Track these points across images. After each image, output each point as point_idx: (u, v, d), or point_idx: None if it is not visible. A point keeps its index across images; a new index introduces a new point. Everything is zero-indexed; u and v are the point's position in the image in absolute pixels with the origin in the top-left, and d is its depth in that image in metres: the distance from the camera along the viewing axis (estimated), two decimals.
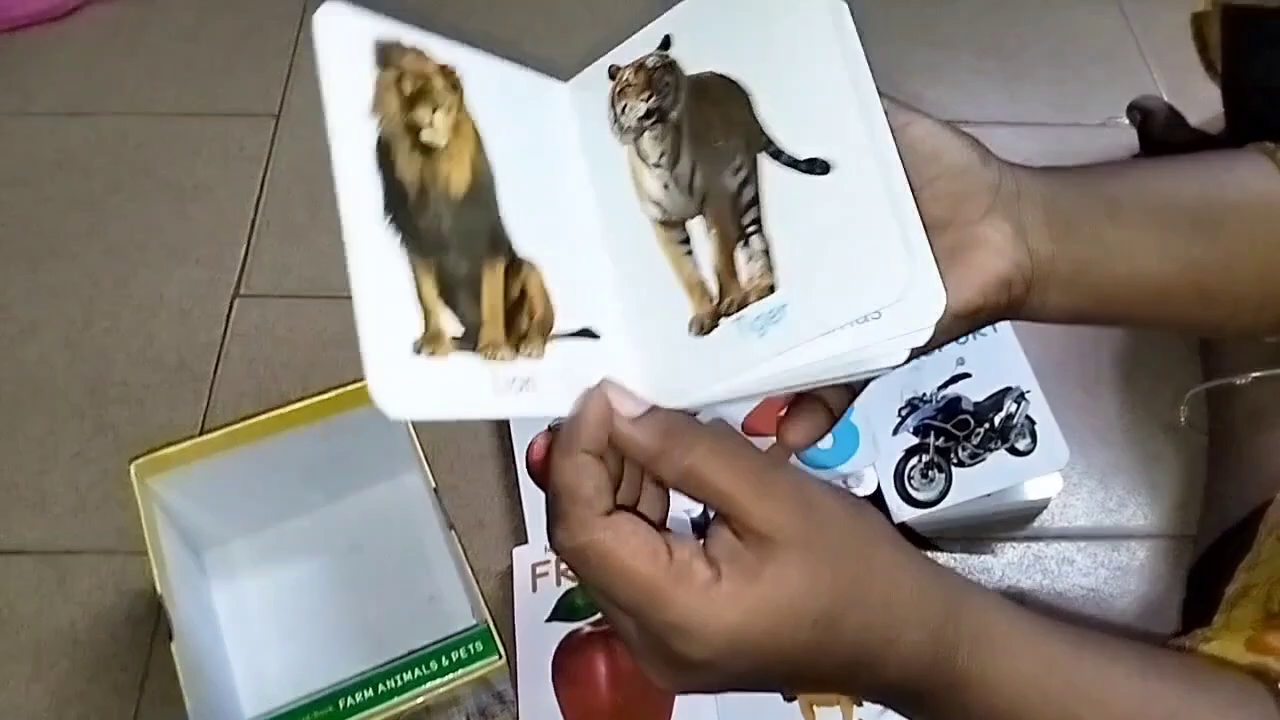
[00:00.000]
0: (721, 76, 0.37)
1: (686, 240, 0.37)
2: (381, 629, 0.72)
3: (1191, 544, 0.77)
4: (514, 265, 0.36)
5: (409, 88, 0.35)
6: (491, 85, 0.37)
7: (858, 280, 0.33)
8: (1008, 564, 0.78)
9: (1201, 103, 0.99)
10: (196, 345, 0.87)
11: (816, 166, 0.34)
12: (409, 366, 0.32)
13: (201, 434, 0.82)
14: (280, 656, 0.72)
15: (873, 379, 0.38)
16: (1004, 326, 0.78)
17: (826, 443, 0.75)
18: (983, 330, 0.78)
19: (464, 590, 0.69)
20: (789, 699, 0.66)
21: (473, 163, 0.36)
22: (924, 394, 0.77)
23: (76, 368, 0.86)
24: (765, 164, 0.36)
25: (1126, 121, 0.99)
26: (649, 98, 0.38)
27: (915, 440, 0.76)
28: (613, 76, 0.39)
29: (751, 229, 0.35)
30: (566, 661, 0.67)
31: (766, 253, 0.35)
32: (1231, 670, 0.45)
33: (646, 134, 0.38)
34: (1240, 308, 0.42)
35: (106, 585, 0.76)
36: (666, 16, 0.38)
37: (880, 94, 0.35)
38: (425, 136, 0.34)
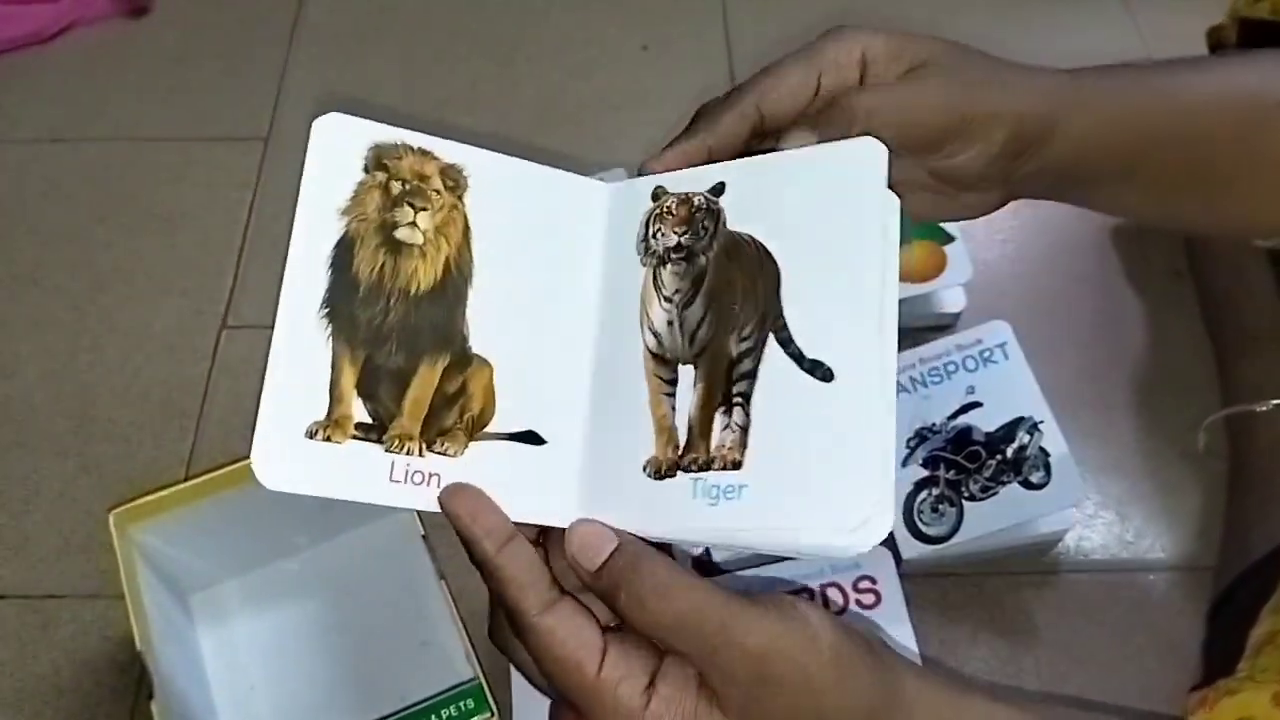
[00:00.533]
0: (759, 244, 0.36)
1: (673, 382, 0.37)
2: (373, 675, 0.70)
3: (1211, 576, 0.75)
4: (460, 361, 0.37)
5: (397, 188, 0.36)
6: (505, 184, 0.38)
7: (823, 498, 0.33)
8: (1021, 598, 0.75)
9: None
10: (183, 379, 0.85)
11: (819, 371, 0.34)
12: (296, 446, 0.34)
13: (188, 470, 0.80)
14: (269, 703, 0.70)
15: None
16: (1015, 353, 0.76)
17: None
18: (993, 358, 0.76)
19: (456, 635, 0.67)
20: None
21: (449, 260, 0.37)
22: (933, 424, 0.74)
23: (60, 404, 0.84)
24: (772, 345, 0.35)
25: None
26: (684, 233, 0.37)
27: (925, 473, 0.73)
28: (655, 199, 0.38)
29: (738, 400, 0.35)
30: (563, 712, 0.65)
31: (745, 429, 0.35)
32: None
33: (669, 266, 0.37)
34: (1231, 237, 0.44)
35: (90, 631, 0.73)
36: (727, 165, 0.38)
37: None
38: (400, 235, 0.36)
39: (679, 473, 0.35)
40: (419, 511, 0.67)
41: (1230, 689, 0.54)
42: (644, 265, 0.38)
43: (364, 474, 0.35)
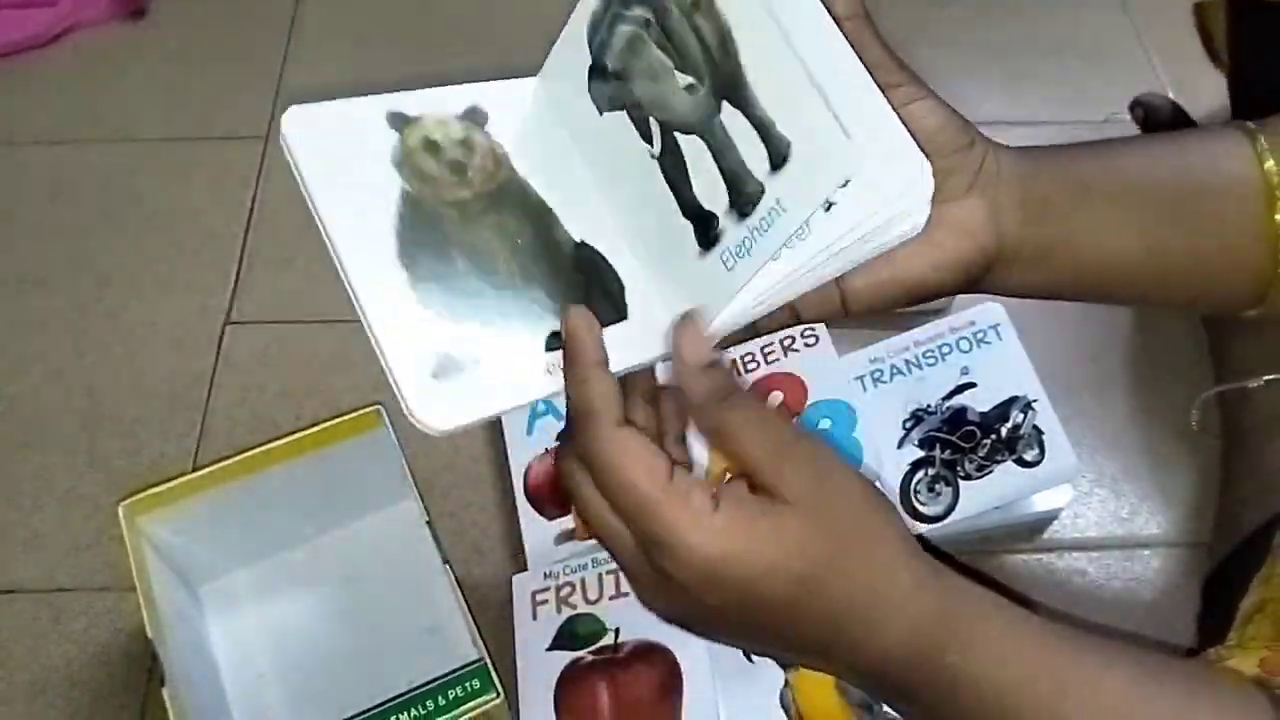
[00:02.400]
0: None
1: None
2: (381, 661, 0.71)
3: (1206, 552, 0.76)
4: None
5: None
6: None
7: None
8: (1017, 576, 0.76)
9: (1206, 99, 0.97)
10: (188, 374, 0.86)
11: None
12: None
13: (195, 465, 0.81)
14: (279, 691, 0.71)
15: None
16: (1009, 334, 0.77)
17: None
18: (987, 339, 0.77)
19: (463, 621, 0.68)
20: (782, 665, 0.65)
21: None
22: (928, 405, 0.75)
23: (67, 401, 0.85)
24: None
25: (1129, 118, 0.97)
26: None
27: (921, 453, 0.74)
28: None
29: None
30: (568, 690, 0.66)
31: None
32: (1232, 677, 0.44)
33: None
34: (1208, 287, 0.43)
35: (102, 623, 0.74)
36: None
37: (895, 61, 0.38)
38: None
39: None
40: (422, 505, 0.69)
41: (1220, 656, 0.55)
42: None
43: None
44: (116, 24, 1.12)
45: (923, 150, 0.36)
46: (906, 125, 0.36)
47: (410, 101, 0.40)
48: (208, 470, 0.68)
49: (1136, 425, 0.83)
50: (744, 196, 0.36)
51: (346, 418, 0.69)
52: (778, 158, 0.35)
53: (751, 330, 0.40)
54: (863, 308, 0.42)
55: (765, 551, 0.34)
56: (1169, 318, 0.87)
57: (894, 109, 0.35)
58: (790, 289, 0.37)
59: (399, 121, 0.39)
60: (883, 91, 0.35)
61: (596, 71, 0.40)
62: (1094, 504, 0.79)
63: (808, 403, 0.75)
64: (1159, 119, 0.95)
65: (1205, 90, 0.96)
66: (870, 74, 0.35)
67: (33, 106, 1.05)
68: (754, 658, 0.65)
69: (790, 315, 0.42)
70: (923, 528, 0.72)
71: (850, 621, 0.35)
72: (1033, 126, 1.04)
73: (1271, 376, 0.74)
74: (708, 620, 0.36)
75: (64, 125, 1.04)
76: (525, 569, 0.73)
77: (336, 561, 0.75)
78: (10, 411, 0.84)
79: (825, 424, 0.75)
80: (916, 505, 0.72)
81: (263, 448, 0.68)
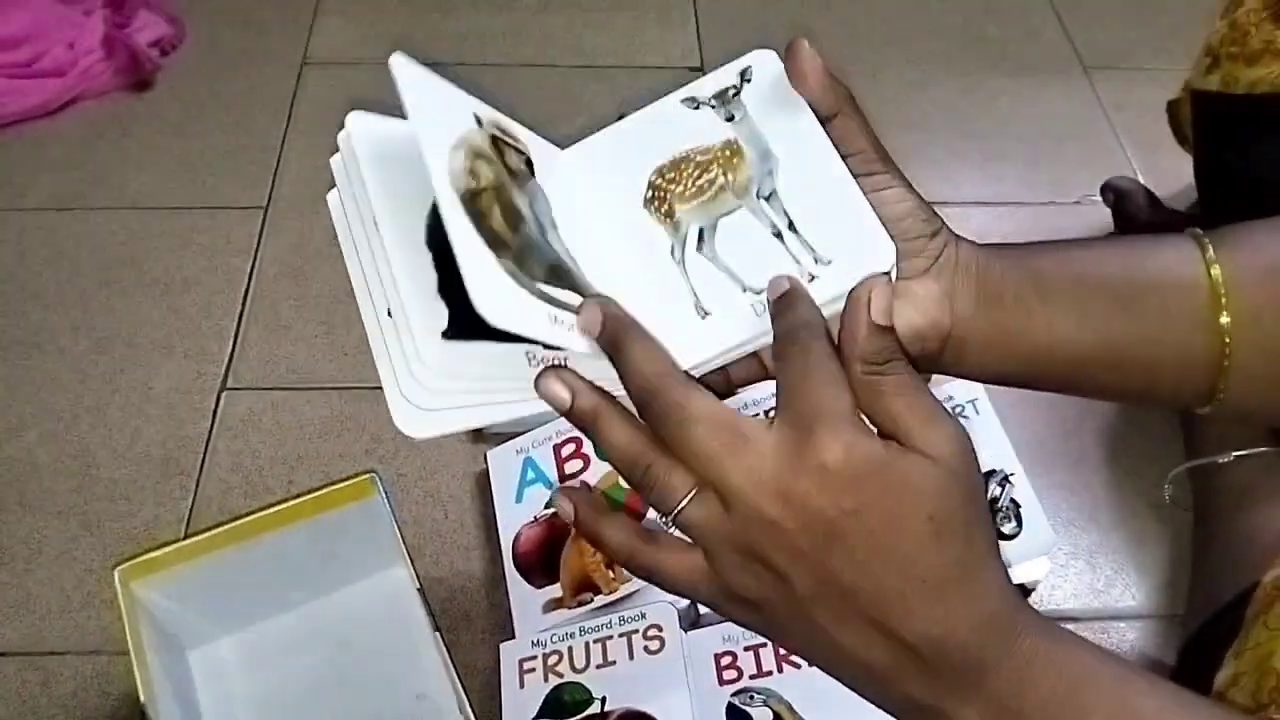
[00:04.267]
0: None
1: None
2: None
3: (1180, 624, 0.77)
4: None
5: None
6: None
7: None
8: None
9: (1173, 181, 1.01)
10: (183, 439, 0.87)
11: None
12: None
13: (188, 529, 0.82)
14: None
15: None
16: (986, 408, 0.79)
17: None
18: (965, 413, 0.79)
19: (451, 688, 0.68)
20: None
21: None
22: None
23: (62, 464, 0.86)
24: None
25: (1100, 200, 1.01)
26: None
27: None
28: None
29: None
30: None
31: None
32: None
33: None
34: (1158, 381, 0.44)
35: (90, 687, 0.75)
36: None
37: (877, 152, 0.42)
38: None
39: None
40: (411, 569, 0.69)
41: None
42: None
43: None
44: (121, 95, 1.16)
45: (889, 232, 0.40)
46: (877, 210, 0.40)
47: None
48: (202, 536, 0.69)
49: (1111, 499, 0.85)
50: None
51: (340, 485, 0.70)
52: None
53: (725, 377, 0.43)
54: None
55: (914, 476, 0.36)
56: None
57: (867, 195, 0.40)
58: (760, 341, 0.41)
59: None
60: (859, 179, 0.40)
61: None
62: (1070, 576, 0.81)
63: None
64: (1129, 202, 0.98)
65: (1173, 175, 1.00)
66: (849, 164, 0.40)
67: (38, 172, 1.08)
68: None
69: (759, 368, 0.44)
70: None
71: (971, 571, 0.36)
72: (1009, 207, 1.08)
73: (1240, 452, 0.77)
74: (830, 529, 0.36)
75: (68, 192, 1.06)
76: (513, 637, 0.74)
77: (326, 627, 0.76)
78: (5, 472, 0.85)
79: None
80: None
81: (256, 514, 0.69)
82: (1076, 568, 0.81)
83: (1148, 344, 0.43)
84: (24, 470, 0.86)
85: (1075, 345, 0.43)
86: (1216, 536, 0.78)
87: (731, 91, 0.44)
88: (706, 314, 0.41)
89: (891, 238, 0.40)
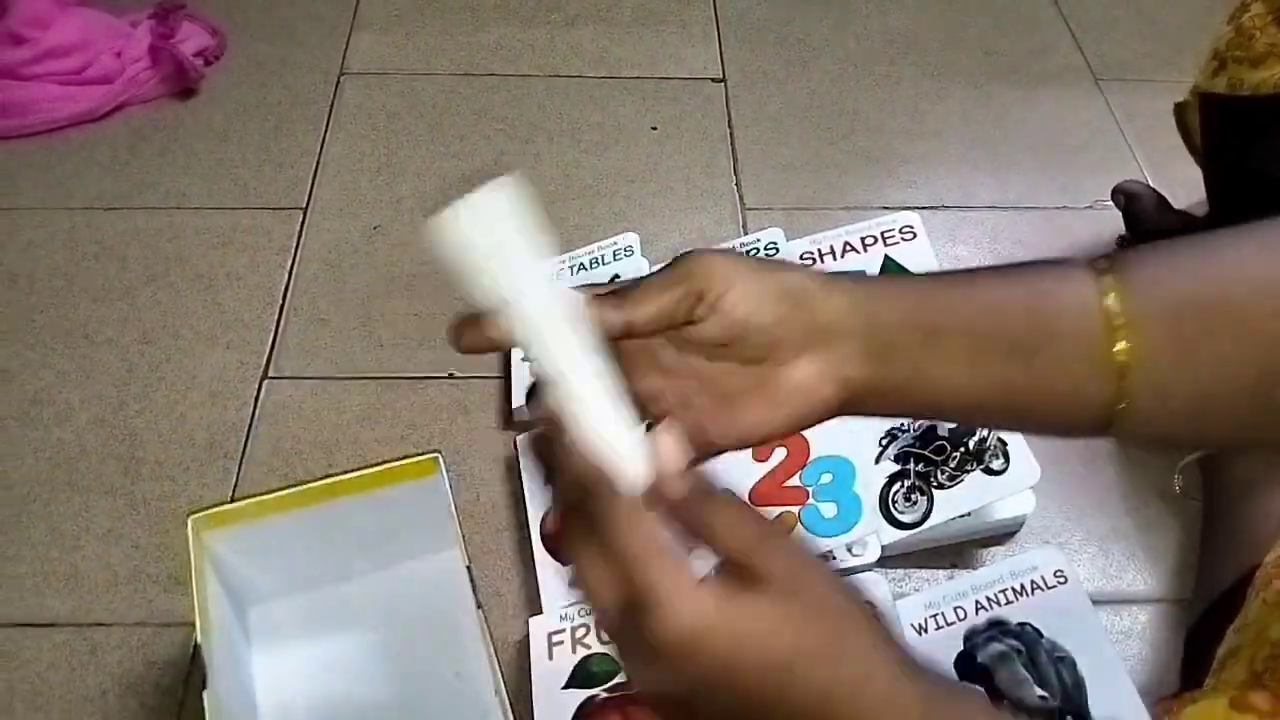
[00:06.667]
0: None
1: None
2: (409, 703, 0.74)
3: (1188, 607, 0.79)
4: None
5: None
6: None
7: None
8: None
9: (1184, 184, 1.04)
10: (226, 424, 0.91)
11: None
12: None
13: None
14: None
15: None
16: None
17: (830, 511, 0.78)
18: None
19: (488, 668, 0.70)
20: None
21: None
22: (902, 424, 0.82)
23: (110, 447, 0.90)
24: None
25: (1113, 204, 1.04)
26: None
27: (897, 467, 0.80)
28: None
29: None
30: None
31: None
32: None
33: None
34: (1051, 419, 0.44)
35: (136, 657, 0.78)
36: None
37: (720, 250, 0.41)
38: None
39: None
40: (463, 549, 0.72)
41: (1194, 698, 0.59)
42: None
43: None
44: (166, 102, 1.21)
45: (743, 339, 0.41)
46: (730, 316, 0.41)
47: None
48: (276, 494, 0.71)
49: (1123, 489, 0.88)
50: None
51: (405, 461, 0.73)
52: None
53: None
54: (731, 446, 0.45)
55: (745, 628, 0.34)
56: None
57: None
58: None
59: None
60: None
61: None
62: (1085, 562, 0.83)
63: (810, 458, 0.80)
64: (1140, 205, 1.01)
65: (1183, 178, 1.02)
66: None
67: (87, 175, 1.12)
68: None
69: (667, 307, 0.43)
70: (900, 534, 0.78)
71: (836, 705, 0.35)
72: (1022, 211, 1.11)
73: None
74: (687, 696, 0.36)
75: (115, 193, 1.11)
76: (541, 612, 0.77)
77: (380, 600, 0.78)
78: (56, 455, 0.89)
79: (827, 479, 0.80)
80: (895, 513, 0.79)
81: (325, 480, 0.72)
82: (1090, 553, 0.84)
83: (1043, 388, 0.42)
84: (74, 453, 0.89)
85: (968, 394, 0.43)
86: (1222, 524, 0.80)
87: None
88: None
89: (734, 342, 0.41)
